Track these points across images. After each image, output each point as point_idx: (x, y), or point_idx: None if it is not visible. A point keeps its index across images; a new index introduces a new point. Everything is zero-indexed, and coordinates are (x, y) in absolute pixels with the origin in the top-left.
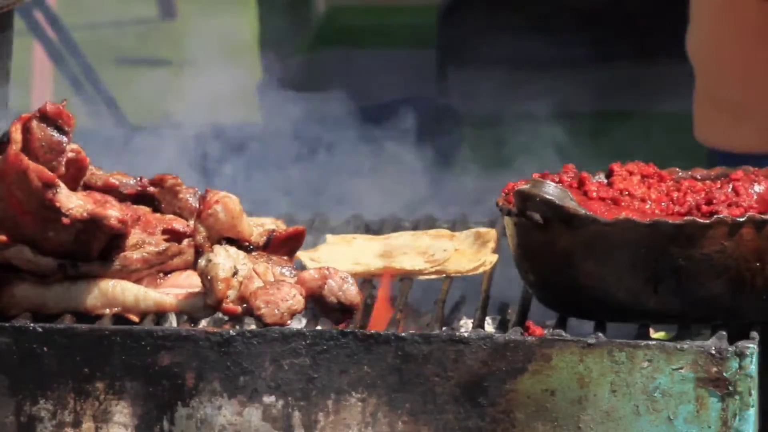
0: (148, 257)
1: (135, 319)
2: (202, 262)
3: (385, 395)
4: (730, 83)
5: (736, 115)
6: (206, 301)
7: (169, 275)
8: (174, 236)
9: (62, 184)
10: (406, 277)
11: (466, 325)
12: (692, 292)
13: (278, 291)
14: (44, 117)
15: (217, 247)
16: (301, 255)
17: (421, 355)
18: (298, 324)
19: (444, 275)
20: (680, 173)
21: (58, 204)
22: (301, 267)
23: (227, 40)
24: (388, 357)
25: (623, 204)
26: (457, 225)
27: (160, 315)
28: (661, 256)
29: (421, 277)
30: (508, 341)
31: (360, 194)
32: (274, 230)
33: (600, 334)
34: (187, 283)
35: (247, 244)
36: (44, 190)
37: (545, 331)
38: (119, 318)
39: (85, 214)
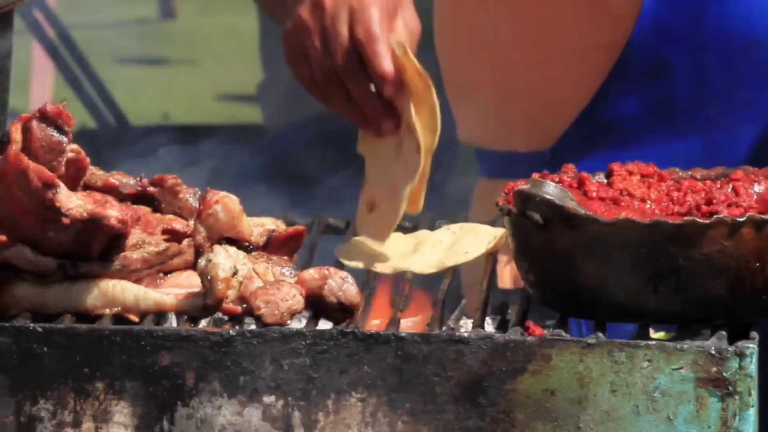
0: (148, 257)
1: (135, 319)
2: (202, 262)
3: (385, 395)
4: (478, 81)
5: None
6: (206, 301)
7: (169, 275)
8: (174, 236)
9: (62, 184)
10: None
11: (466, 325)
12: (692, 292)
13: (278, 291)
14: (44, 117)
15: (217, 247)
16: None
17: (421, 355)
18: (298, 324)
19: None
20: (680, 173)
21: (58, 204)
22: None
23: (227, 40)
24: (388, 357)
25: (623, 204)
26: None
27: (160, 315)
28: (661, 256)
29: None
30: (508, 341)
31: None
32: (274, 230)
33: (600, 334)
34: (187, 283)
35: (247, 244)
36: (44, 190)
37: (545, 331)
38: (119, 318)
39: (85, 214)
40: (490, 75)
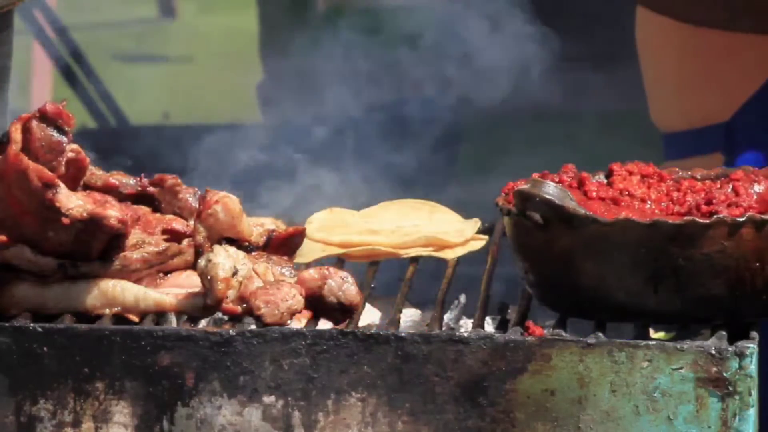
0: (148, 257)
1: (135, 319)
2: (202, 262)
3: (385, 395)
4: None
5: (675, 92)
6: (206, 301)
7: (169, 275)
8: (174, 236)
9: (62, 184)
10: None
11: (466, 325)
12: (692, 292)
13: (278, 291)
14: (44, 117)
15: (216, 247)
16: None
17: (421, 355)
18: (298, 324)
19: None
20: (680, 173)
21: (58, 204)
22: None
23: (227, 39)
24: (388, 357)
25: (623, 204)
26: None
27: (160, 315)
28: (661, 256)
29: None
30: (508, 341)
31: (360, 196)
32: (274, 230)
33: (600, 334)
34: (187, 283)
35: (247, 244)
36: (44, 190)
37: (545, 331)
38: (119, 318)
39: (85, 214)
40: (678, 62)
